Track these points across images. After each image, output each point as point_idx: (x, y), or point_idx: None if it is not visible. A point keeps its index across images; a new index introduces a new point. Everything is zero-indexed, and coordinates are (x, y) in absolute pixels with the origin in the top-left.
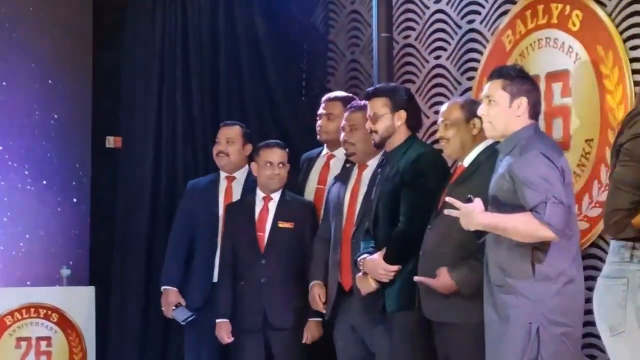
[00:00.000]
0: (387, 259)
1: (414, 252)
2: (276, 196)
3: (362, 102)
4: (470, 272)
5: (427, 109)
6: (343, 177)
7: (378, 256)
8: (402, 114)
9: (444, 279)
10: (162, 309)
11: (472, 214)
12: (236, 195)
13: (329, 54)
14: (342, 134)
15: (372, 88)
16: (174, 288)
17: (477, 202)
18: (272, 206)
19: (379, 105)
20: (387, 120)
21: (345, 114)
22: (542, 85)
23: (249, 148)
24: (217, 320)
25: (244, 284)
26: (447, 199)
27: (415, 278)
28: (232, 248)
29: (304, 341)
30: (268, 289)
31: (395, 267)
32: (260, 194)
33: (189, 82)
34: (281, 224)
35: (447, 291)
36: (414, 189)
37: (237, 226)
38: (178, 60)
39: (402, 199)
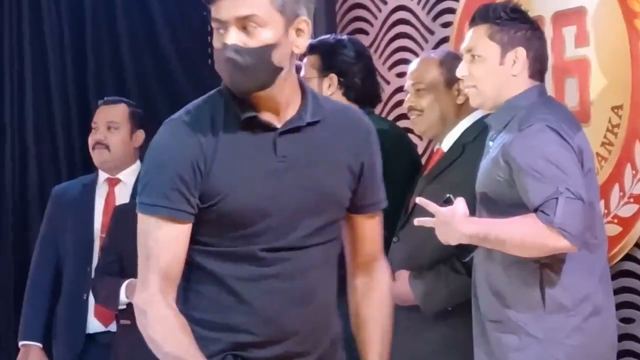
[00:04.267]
0: None
1: None
2: None
3: None
4: (436, 281)
5: (387, 70)
6: None
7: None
8: (334, 78)
9: (401, 285)
10: None
11: (452, 221)
12: None
13: None
14: None
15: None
16: (37, 344)
17: (459, 204)
18: None
19: (307, 66)
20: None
21: None
22: (549, 32)
23: (140, 136)
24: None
25: (130, 324)
26: (418, 199)
27: None
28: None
29: None
30: None
31: None
32: None
33: (42, 46)
34: None
35: (403, 303)
36: None
37: (128, 237)
38: (24, 18)
39: None
